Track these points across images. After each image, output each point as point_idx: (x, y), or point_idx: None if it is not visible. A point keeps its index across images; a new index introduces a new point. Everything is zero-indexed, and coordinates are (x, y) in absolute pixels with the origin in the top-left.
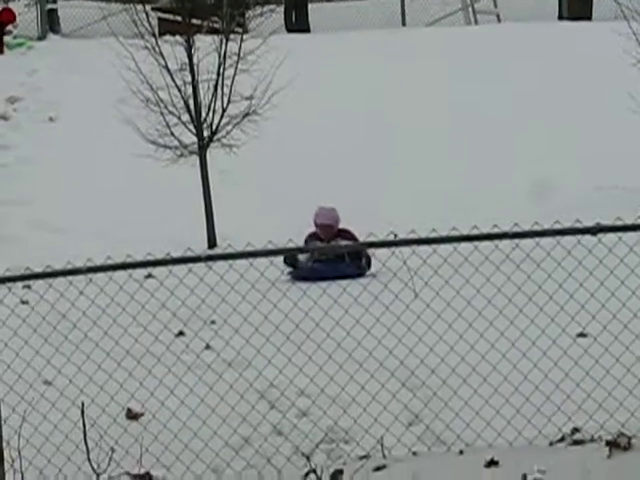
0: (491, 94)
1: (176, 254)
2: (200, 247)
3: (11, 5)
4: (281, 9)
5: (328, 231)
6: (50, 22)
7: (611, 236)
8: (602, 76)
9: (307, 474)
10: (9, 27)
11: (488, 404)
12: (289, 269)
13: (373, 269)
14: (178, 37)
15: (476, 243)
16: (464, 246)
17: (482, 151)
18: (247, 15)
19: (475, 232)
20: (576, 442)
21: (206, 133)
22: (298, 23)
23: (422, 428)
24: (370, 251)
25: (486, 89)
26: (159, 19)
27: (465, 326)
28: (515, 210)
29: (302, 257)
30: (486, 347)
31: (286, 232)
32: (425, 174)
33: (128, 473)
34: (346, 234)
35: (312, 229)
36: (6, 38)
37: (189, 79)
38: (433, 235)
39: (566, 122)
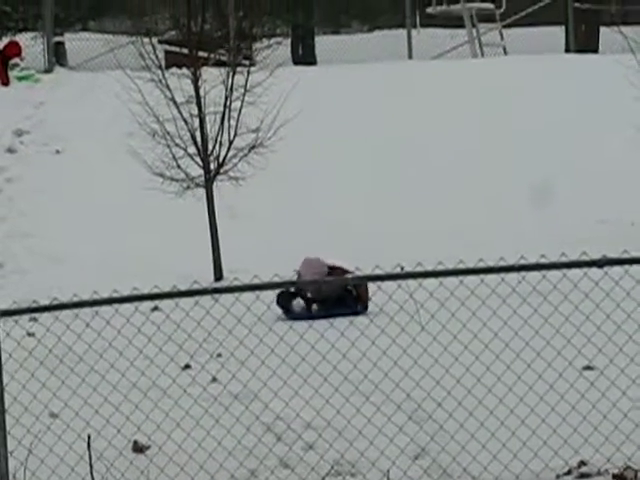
0: (496, 127)
1: (182, 287)
2: (206, 280)
3: (17, 37)
4: (288, 41)
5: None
6: (57, 55)
7: (617, 269)
8: (608, 109)
9: None
10: (15, 60)
11: (494, 437)
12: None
13: (379, 302)
14: (185, 70)
15: (482, 276)
16: (471, 279)
17: (486, 186)
18: (254, 47)
19: (481, 265)
20: (583, 475)
21: (213, 166)
22: (305, 55)
23: (428, 461)
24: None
25: (491, 122)
26: (166, 52)
27: (471, 359)
28: (520, 243)
29: (294, 303)
30: (492, 380)
31: (293, 264)
32: (431, 208)
33: None
34: (337, 271)
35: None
36: (13, 72)
37: (196, 112)
38: (440, 268)
39: (570, 155)
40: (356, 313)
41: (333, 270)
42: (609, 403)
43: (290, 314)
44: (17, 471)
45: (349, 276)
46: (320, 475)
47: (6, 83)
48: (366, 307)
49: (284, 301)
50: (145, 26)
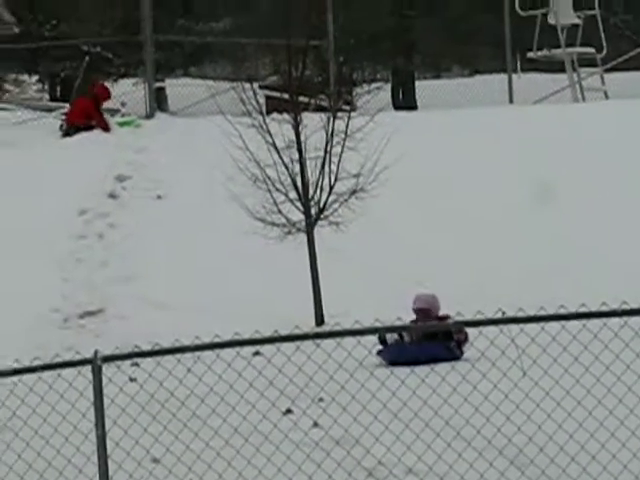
0: (599, 171)
1: (284, 331)
2: (308, 324)
3: (120, 83)
4: (388, 86)
5: (425, 315)
6: (158, 100)
7: None
8: None
9: None
10: (117, 107)
11: None
12: (379, 347)
13: (481, 346)
14: (285, 115)
15: (584, 321)
16: (573, 324)
17: (589, 225)
18: (354, 93)
19: (583, 310)
20: None
21: (313, 211)
22: (405, 100)
23: None
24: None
25: (593, 166)
26: (266, 97)
27: (573, 404)
28: (623, 284)
29: (389, 336)
30: (595, 425)
31: (393, 310)
32: (531, 250)
33: None
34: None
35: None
36: (114, 118)
37: (296, 157)
38: (541, 313)
39: None
40: (452, 357)
41: (441, 319)
42: None
43: (385, 352)
44: None
45: (450, 321)
46: None
47: (107, 129)
48: (462, 352)
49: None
50: (246, 72)
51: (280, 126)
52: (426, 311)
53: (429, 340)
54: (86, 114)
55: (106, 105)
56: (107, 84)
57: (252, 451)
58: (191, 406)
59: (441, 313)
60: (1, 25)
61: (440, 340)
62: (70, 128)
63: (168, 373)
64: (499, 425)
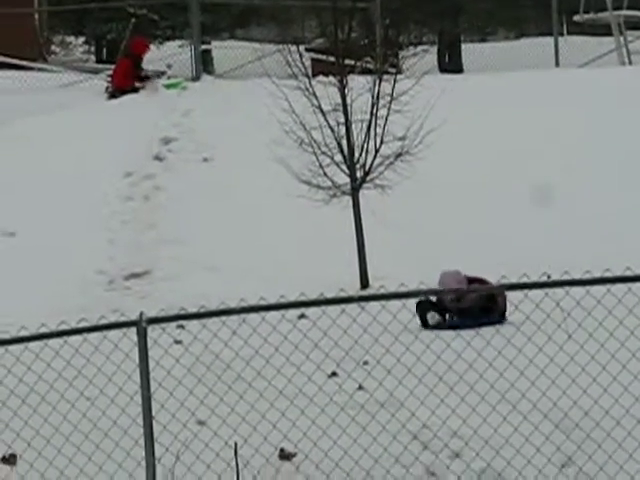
0: None
1: (329, 295)
2: (353, 288)
3: (167, 45)
4: (434, 49)
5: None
6: (204, 63)
7: None
8: None
9: None
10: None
11: None
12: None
13: (526, 310)
14: (331, 78)
15: (630, 284)
16: (618, 287)
17: (629, 188)
18: (400, 55)
19: (629, 273)
20: None
21: (359, 174)
22: (451, 63)
23: (575, 470)
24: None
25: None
26: (312, 60)
27: (619, 368)
28: None
29: (429, 315)
30: None
31: (438, 272)
32: (579, 216)
33: None
34: (476, 282)
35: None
36: (161, 80)
37: (342, 119)
38: (587, 277)
39: None
40: (494, 323)
41: (472, 282)
42: None
43: (426, 325)
44: (165, 478)
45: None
46: None
47: (129, 84)
48: (504, 317)
49: (421, 311)
50: (292, 34)
51: (326, 89)
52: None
53: (475, 317)
54: (128, 75)
55: (153, 67)
56: (144, 41)
57: (297, 413)
58: (236, 368)
59: (475, 276)
60: None
61: (486, 314)
62: (116, 91)
63: (213, 335)
64: (544, 389)
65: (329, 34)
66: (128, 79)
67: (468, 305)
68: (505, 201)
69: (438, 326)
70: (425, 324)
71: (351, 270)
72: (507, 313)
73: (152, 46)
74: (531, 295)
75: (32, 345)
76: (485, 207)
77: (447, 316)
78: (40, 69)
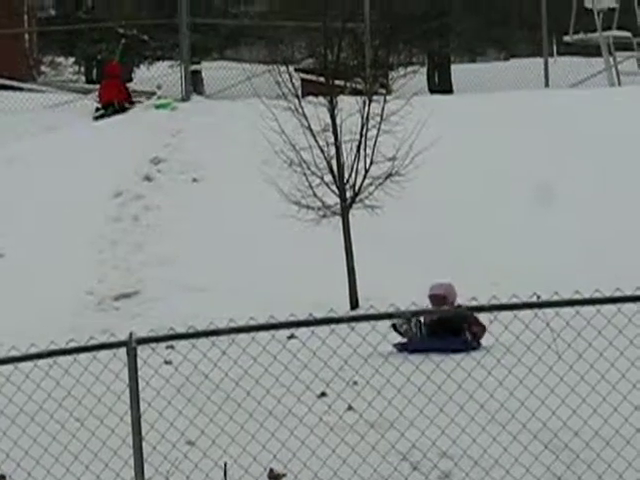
0: (635, 156)
1: (318, 315)
2: (342, 308)
3: (156, 66)
4: (424, 70)
5: (440, 303)
6: (194, 83)
7: None
8: None
9: None
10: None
11: (631, 467)
12: (398, 339)
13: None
14: (321, 98)
15: (619, 305)
16: (607, 308)
17: (629, 209)
18: (390, 76)
19: (618, 294)
20: None
21: (349, 194)
22: (441, 84)
23: None
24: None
25: (630, 149)
26: (302, 80)
27: (608, 388)
28: None
29: (402, 328)
30: (629, 409)
31: (428, 292)
32: (571, 235)
33: None
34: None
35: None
36: (151, 100)
37: (332, 140)
38: (576, 297)
39: None
40: (466, 349)
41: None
42: None
43: (398, 333)
44: None
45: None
46: None
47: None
48: (479, 341)
49: (400, 327)
50: (282, 55)
51: (316, 109)
52: (442, 298)
53: (442, 332)
54: (121, 90)
55: (142, 88)
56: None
57: (287, 434)
58: (226, 389)
59: (457, 303)
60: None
61: (453, 333)
62: (105, 108)
63: (203, 356)
64: (533, 409)
65: (319, 55)
66: (121, 93)
67: (443, 324)
68: (495, 221)
69: (407, 334)
70: (397, 331)
71: (341, 290)
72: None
73: (142, 67)
74: (521, 315)
75: (22, 365)
76: (475, 227)
77: (414, 327)
78: (29, 89)
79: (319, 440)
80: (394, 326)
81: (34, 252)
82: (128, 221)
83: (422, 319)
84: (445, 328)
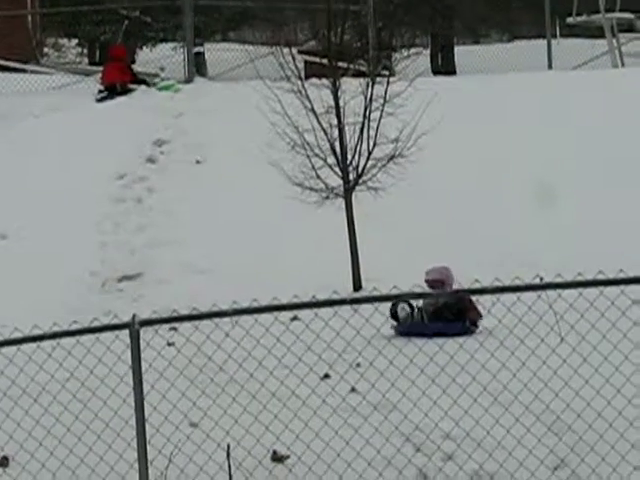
0: (637, 136)
1: (321, 296)
2: (345, 290)
3: (159, 48)
4: (427, 52)
5: (439, 287)
6: (197, 65)
7: None
8: None
9: None
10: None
11: (634, 448)
12: (394, 323)
13: (519, 312)
14: (324, 80)
15: (622, 287)
16: (610, 290)
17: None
18: (393, 58)
19: (622, 276)
20: None
21: (352, 176)
22: (444, 65)
23: (568, 472)
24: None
25: (632, 131)
26: (305, 62)
27: (611, 370)
28: None
29: (399, 307)
30: (632, 391)
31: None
32: (572, 217)
33: None
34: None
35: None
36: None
37: (335, 122)
38: (579, 279)
39: None
40: (464, 332)
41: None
42: None
43: (396, 321)
44: None
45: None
46: None
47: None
48: (476, 326)
49: (393, 305)
50: (285, 36)
51: (319, 91)
52: (440, 282)
53: (441, 318)
54: (124, 72)
55: (146, 69)
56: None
57: (290, 416)
58: (229, 370)
59: (455, 286)
60: None
61: (452, 319)
62: (108, 87)
63: (206, 337)
64: (536, 391)
65: (322, 36)
66: (125, 75)
67: (440, 307)
68: (499, 203)
69: (406, 321)
70: (395, 317)
71: (344, 272)
72: (479, 322)
73: (145, 48)
74: (524, 297)
75: (25, 347)
76: (479, 209)
77: (416, 312)
78: (33, 71)
79: (322, 422)
80: (392, 313)
81: (37, 234)
82: (131, 203)
83: (422, 305)
84: (445, 313)
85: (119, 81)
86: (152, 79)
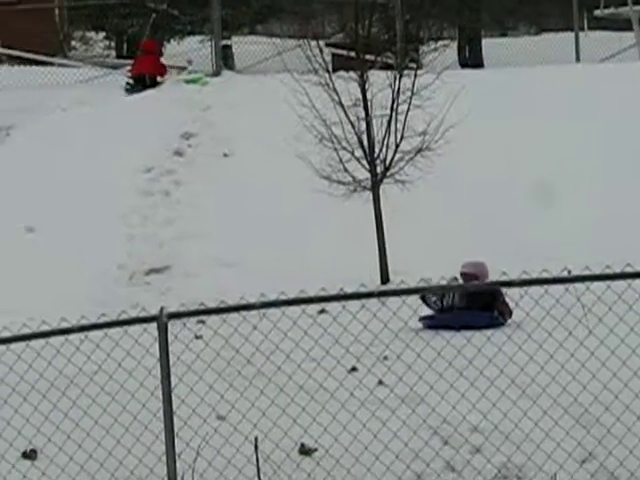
0: None
1: (349, 290)
2: (373, 283)
3: (187, 41)
4: (454, 44)
5: (471, 281)
6: (224, 58)
7: None
8: None
9: None
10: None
11: None
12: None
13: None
14: (352, 73)
15: None
16: (639, 282)
17: None
18: (421, 50)
19: None
20: None
21: (379, 169)
22: (472, 58)
23: (596, 465)
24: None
25: None
26: (333, 55)
27: (639, 363)
28: None
29: (433, 298)
30: None
31: (458, 269)
32: (600, 211)
33: None
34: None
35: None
36: (181, 75)
37: (362, 115)
38: (607, 272)
39: None
40: (491, 324)
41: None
42: None
43: (427, 320)
44: (185, 473)
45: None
46: (487, 478)
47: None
48: (505, 319)
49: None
50: (312, 29)
51: (346, 84)
52: (473, 276)
53: (471, 307)
54: (156, 64)
55: (173, 62)
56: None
57: (317, 409)
58: (256, 363)
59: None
60: None
61: (482, 309)
62: (136, 80)
63: (234, 330)
64: (564, 384)
65: (349, 29)
66: (157, 68)
67: (472, 300)
68: (526, 196)
69: (435, 304)
70: (425, 301)
71: (372, 265)
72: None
73: (172, 41)
74: (551, 290)
75: (53, 340)
76: (506, 202)
77: (445, 300)
78: (60, 64)
79: (350, 415)
80: (423, 298)
81: (64, 227)
82: (159, 196)
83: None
84: (475, 303)
85: (149, 72)
86: (179, 72)
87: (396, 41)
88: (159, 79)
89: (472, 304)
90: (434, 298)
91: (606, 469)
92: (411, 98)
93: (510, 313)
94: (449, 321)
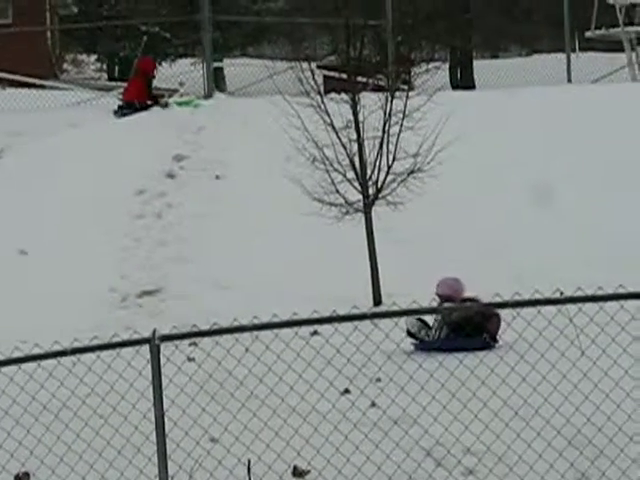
0: None
1: (341, 311)
2: (365, 304)
3: (178, 63)
4: (446, 66)
5: (448, 302)
6: (216, 80)
7: None
8: None
9: None
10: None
11: None
12: (412, 340)
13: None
14: (343, 95)
15: None
16: (631, 303)
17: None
18: (412, 72)
19: None
20: None
21: (371, 191)
22: (463, 80)
23: None
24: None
25: None
26: (324, 77)
27: (632, 384)
28: None
29: (413, 329)
30: None
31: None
32: (591, 232)
33: None
34: (469, 301)
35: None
36: (173, 98)
37: (354, 137)
38: (599, 293)
39: None
40: (483, 347)
41: (466, 302)
42: None
43: (412, 337)
44: None
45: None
46: None
47: (141, 100)
48: (496, 341)
49: (413, 328)
50: (304, 51)
51: (338, 106)
52: (448, 297)
53: (458, 333)
54: (141, 91)
55: (165, 84)
56: (152, 59)
57: (310, 430)
58: (249, 386)
59: (467, 295)
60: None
61: (471, 334)
62: (126, 104)
63: (226, 352)
64: (557, 405)
65: (341, 51)
66: (141, 95)
67: (458, 321)
68: (518, 218)
69: (419, 336)
70: (411, 335)
71: (364, 287)
72: (499, 336)
73: (164, 64)
74: (544, 311)
75: (45, 363)
76: (498, 224)
77: (433, 325)
78: (52, 87)
79: (343, 437)
80: (409, 332)
81: (57, 249)
82: (151, 218)
83: (440, 317)
84: (465, 328)
85: (136, 100)
86: (166, 99)
87: (388, 63)
88: (149, 102)
89: (462, 330)
90: (422, 332)
91: None
92: (403, 120)
93: (498, 322)
94: (441, 346)
